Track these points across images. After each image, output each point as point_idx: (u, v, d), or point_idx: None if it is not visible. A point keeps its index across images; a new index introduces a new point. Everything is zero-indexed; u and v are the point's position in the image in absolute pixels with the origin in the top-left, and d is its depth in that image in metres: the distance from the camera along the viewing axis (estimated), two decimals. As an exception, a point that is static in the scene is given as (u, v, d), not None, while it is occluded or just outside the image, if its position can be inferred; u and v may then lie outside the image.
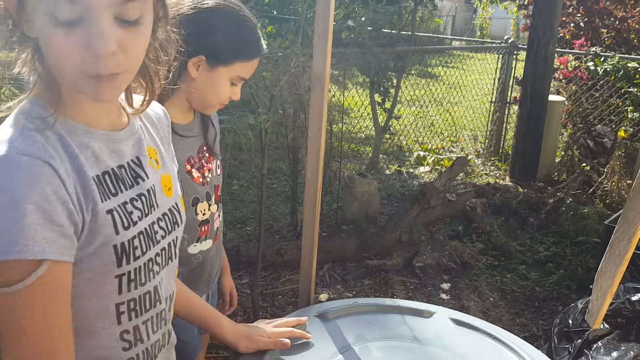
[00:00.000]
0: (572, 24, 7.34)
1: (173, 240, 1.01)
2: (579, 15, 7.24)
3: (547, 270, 3.76)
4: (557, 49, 5.81)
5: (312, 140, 1.46)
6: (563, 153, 5.72)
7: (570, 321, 2.18)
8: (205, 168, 1.49)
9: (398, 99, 5.73)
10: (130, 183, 0.92)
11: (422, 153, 6.16)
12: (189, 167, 1.44)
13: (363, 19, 4.57)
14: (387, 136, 6.29)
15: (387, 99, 5.39)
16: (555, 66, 6.04)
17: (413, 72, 8.47)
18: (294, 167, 4.11)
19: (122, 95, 0.95)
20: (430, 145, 6.63)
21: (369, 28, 4.74)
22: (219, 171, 1.56)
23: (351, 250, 3.77)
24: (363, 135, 6.75)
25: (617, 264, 1.78)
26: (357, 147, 6.33)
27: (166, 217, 0.99)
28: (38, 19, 0.76)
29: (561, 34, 7.05)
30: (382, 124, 5.66)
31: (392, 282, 3.54)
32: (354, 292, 3.39)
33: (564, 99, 5.93)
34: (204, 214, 1.49)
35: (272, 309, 3.19)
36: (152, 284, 0.94)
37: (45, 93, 0.84)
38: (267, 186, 4.36)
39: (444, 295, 3.42)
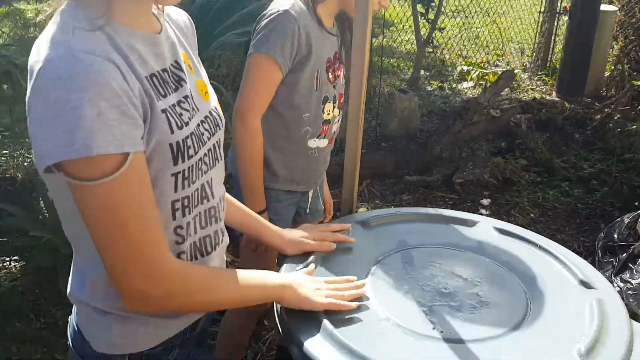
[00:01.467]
0: None
1: (217, 142, 1.03)
2: None
3: (590, 187, 3.69)
4: (614, -46, 5.41)
5: (356, 51, 1.41)
6: (613, 67, 5.46)
7: (615, 235, 2.16)
8: (337, 72, 1.61)
9: (442, 9, 5.49)
10: (174, 86, 0.92)
11: (465, 68, 5.97)
12: (327, 64, 1.56)
13: None
14: (430, 50, 6.09)
15: (430, 10, 5.17)
16: (611, -27, 5.65)
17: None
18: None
19: None
20: (474, 59, 6.40)
21: None
22: (343, 81, 1.67)
23: (390, 167, 3.76)
24: (404, 49, 6.55)
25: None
26: (397, 62, 6.16)
27: (208, 120, 1.01)
28: None
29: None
30: (425, 37, 5.46)
31: (431, 198, 3.54)
32: (393, 207, 3.41)
33: (617, 8, 5.57)
34: (328, 114, 1.63)
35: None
36: (201, 181, 0.97)
37: None
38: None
39: (483, 211, 3.41)
